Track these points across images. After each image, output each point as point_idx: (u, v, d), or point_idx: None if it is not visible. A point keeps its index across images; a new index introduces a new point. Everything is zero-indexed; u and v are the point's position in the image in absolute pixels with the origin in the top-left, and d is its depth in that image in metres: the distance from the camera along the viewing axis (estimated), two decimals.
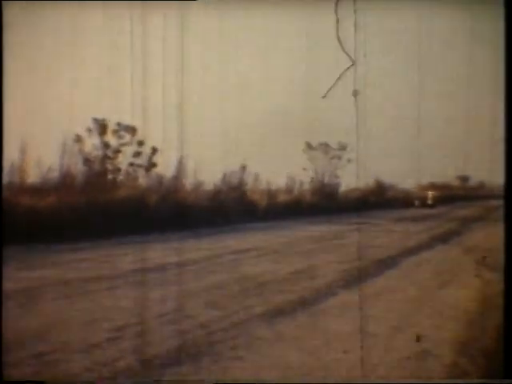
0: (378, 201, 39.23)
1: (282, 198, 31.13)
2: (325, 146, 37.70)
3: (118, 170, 24.22)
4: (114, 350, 6.66)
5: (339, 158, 37.88)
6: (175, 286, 10.63)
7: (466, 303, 9.34)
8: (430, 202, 44.24)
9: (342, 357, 6.44)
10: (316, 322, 8.06)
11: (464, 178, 55.53)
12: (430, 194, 45.18)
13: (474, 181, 55.05)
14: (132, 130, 24.36)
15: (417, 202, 43.29)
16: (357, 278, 11.62)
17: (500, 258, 14.43)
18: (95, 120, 23.57)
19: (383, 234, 21.73)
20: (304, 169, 35.93)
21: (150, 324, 7.86)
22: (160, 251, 15.48)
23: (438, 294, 10.10)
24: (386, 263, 13.58)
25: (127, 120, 23.67)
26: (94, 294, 9.82)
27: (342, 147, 37.56)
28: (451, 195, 48.75)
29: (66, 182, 20.52)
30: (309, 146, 37.10)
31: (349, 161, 37.96)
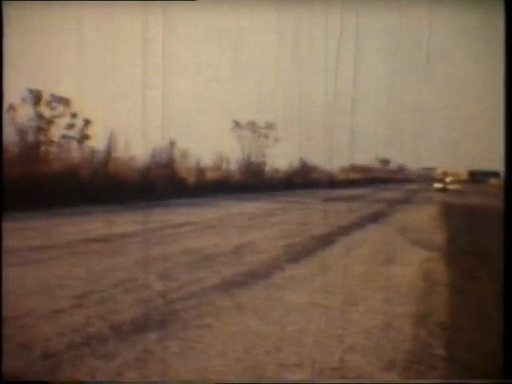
0: (302, 181, 39.63)
1: (210, 175, 31.23)
2: (252, 125, 37.89)
3: (51, 141, 23.93)
4: (80, 316, 6.66)
5: (266, 136, 38.16)
6: (122, 256, 10.61)
7: (411, 280, 9.57)
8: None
9: (304, 327, 6.57)
10: (271, 293, 8.17)
11: (384, 161, 56.60)
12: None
13: (393, 164, 56.21)
14: (65, 102, 24.11)
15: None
16: (299, 253, 11.77)
17: (431, 236, 14.84)
18: (30, 90, 23.23)
19: (313, 212, 22.00)
20: (232, 147, 36.14)
21: (109, 292, 7.86)
22: (97, 223, 15.43)
23: (383, 270, 10.31)
24: (324, 240, 13.77)
25: (61, 92, 23.44)
26: (43, 263, 9.75)
27: (270, 126, 37.84)
28: (372, 177, 49.67)
29: None
30: (237, 125, 37.25)
31: (276, 140, 38.37)
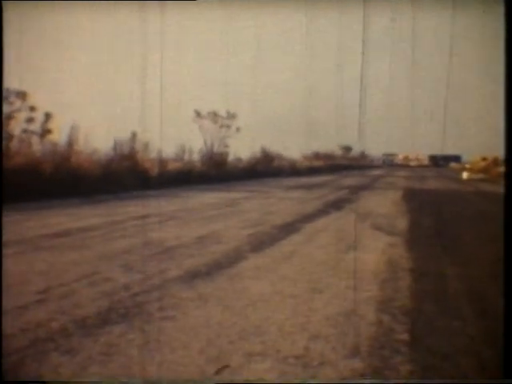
0: (265, 169, 39.64)
1: (172, 166, 31.13)
2: (214, 115, 37.79)
3: (11, 136, 23.66)
4: (43, 311, 6.62)
5: (228, 126, 38.10)
6: (85, 250, 10.57)
7: (375, 265, 9.62)
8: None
9: (268, 316, 6.59)
10: (235, 284, 8.18)
11: (347, 148, 56.80)
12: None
13: (355, 151, 56.41)
14: (22, 96, 23.80)
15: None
16: (263, 242, 11.79)
17: (393, 222, 14.93)
18: None
19: (276, 201, 22.03)
20: (193, 138, 36.00)
21: (71, 286, 7.82)
22: (60, 217, 15.34)
23: (346, 257, 10.36)
24: (288, 229, 13.80)
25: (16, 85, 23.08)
26: (6, 259, 9.66)
27: (231, 116, 37.78)
28: (335, 165, 49.86)
29: None
30: (198, 115, 37.12)
31: (238, 130, 38.32)
